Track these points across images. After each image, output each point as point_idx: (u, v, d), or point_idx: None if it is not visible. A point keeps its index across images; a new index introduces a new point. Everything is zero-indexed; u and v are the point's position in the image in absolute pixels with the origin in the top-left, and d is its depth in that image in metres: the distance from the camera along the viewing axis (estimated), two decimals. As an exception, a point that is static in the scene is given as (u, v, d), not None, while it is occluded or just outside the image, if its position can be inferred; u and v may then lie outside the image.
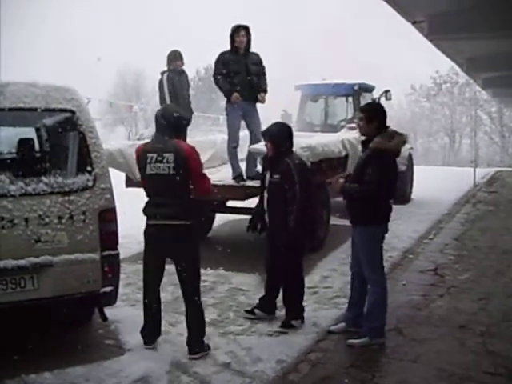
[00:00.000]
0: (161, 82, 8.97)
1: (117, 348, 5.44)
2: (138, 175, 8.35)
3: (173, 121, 5.22)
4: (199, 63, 72.43)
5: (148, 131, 50.23)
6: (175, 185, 5.06)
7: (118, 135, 55.28)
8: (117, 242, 5.26)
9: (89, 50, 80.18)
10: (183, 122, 5.41)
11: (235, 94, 8.08)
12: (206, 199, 6.10)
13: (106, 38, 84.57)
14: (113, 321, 5.85)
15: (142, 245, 9.07)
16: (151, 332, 5.47)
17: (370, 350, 5.35)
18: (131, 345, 5.47)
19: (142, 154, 5.25)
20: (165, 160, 5.03)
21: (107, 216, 5.13)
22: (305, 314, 6.20)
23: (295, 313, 6.09)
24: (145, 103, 56.61)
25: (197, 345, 5.28)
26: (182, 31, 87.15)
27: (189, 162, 5.07)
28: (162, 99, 8.84)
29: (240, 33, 8.10)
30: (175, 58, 9.02)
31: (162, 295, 6.69)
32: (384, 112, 5.65)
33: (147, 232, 5.37)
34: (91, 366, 5.02)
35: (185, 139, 8.19)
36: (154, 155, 5.09)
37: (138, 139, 39.63)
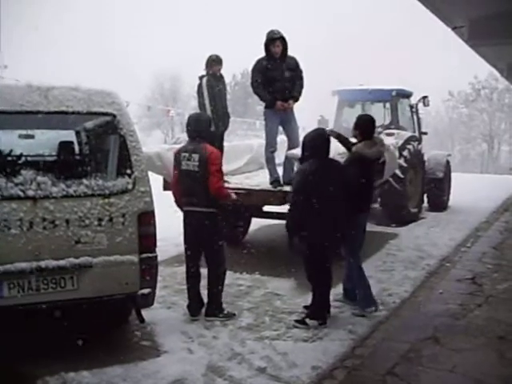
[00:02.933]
0: (200, 86, 9.00)
1: (153, 349, 5.48)
2: (175, 178, 8.47)
3: (202, 127, 6.35)
4: (236, 68, 72.72)
5: (184, 135, 50.61)
6: (199, 179, 6.11)
7: (155, 139, 55.84)
8: (155, 245, 5.30)
9: (127, 54, 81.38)
10: (210, 128, 6.60)
11: (279, 103, 8.09)
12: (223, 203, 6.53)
13: (144, 41, 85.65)
14: (149, 323, 5.90)
15: (179, 248, 9.26)
16: (196, 306, 6.41)
17: (407, 358, 5.29)
18: (167, 347, 5.50)
19: (177, 153, 6.35)
20: (192, 159, 6.15)
21: (146, 219, 5.17)
22: (340, 321, 6.22)
23: (313, 313, 6.14)
24: (181, 107, 57.05)
25: (212, 310, 6.31)
26: (219, 36, 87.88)
27: (208, 163, 6.09)
28: (201, 104, 8.87)
29: (275, 43, 8.10)
30: (214, 62, 9.05)
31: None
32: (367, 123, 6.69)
33: (183, 217, 6.40)
34: (128, 366, 5.07)
35: (221, 143, 8.30)
36: (186, 154, 6.21)
37: (175, 143, 39.93)
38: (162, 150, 8.56)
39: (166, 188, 8.77)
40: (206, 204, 6.17)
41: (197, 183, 6.15)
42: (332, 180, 5.98)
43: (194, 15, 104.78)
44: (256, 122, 20.26)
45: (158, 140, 56.53)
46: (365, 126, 6.66)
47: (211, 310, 6.35)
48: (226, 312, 6.39)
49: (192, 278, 6.47)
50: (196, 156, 6.12)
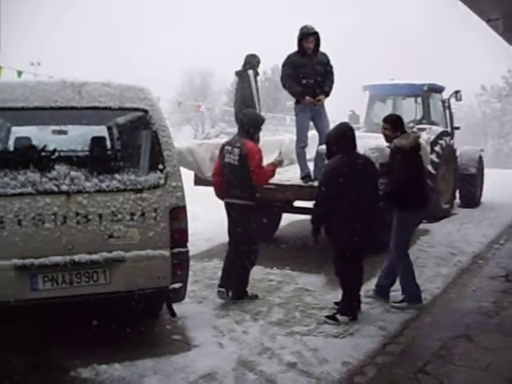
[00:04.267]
0: (245, 78, 9.13)
1: (184, 343, 5.52)
2: (206, 174, 8.54)
3: (245, 123, 6.67)
4: (266, 63, 72.44)
5: (214, 130, 50.65)
6: (238, 173, 6.47)
7: (185, 134, 56.10)
8: (187, 240, 5.32)
9: (159, 49, 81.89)
10: (255, 124, 6.72)
11: (308, 98, 8.06)
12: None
13: (175, 37, 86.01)
14: (180, 317, 5.93)
15: (210, 243, 9.33)
16: (226, 284, 6.68)
17: (439, 356, 5.24)
18: (198, 341, 5.53)
19: (223, 146, 6.74)
20: (233, 153, 6.48)
21: (178, 214, 5.19)
22: (371, 317, 6.19)
23: (343, 308, 6.14)
24: (211, 103, 57.22)
25: (238, 293, 6.66)
26: (249, 32, 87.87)
27: (248, 157, 6.39)
28: (246, 96, 8.99)
29: (308, 39, 8.07)
30: (258, 63, 9.24)
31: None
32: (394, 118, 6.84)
33: (225, 206, 6.80)
34: (159, 359, 5.11)
35: (258, 139, 8.40)
36: (229, 148, 6.57)
37: (205, 138, 40.09)
38: (193, 145, 8.63)
39: (197, 183, 8.83)
40: (243, 197, 6.51)
41: (236, 176, 6.51)
42: (360, 175, 5.94)
43: (224, 12, 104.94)
44: (286, 118, 20.16)
45: (188, 135, 56.79)
46: (393, 121, 6.63)
47: (236, 293, 6.69)
48: (249, 294, 6.81)
49: (228, 261, 6.80)
50: (237, 150, 6.47)
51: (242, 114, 7.02)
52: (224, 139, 8.30)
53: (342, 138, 6.09)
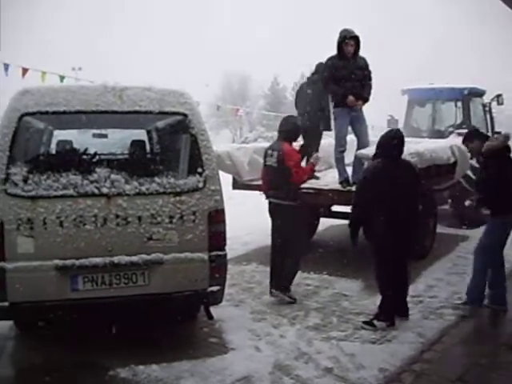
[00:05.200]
0: (313, 88, 9.28)
1: (221, 346, 5.55)
2: (244, 177, 8.57)
3: (286, 129, 6.94)
4: (304, 67, 72.40)
5: (252, 135, 50.82)
6: (277, 174, 6.76)
7: (223, 138, 56.28)
8: (225, 243, 5.34)
9: (197, 52, 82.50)
10: (295, 132, 7.03)
11: (351, 98, 8.04)
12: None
13: (214, 40, 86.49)
14: (217, 320, 5.97)
15: (247, 246, 9.36)
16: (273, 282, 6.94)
17: (479, 364, 5.16)
18: (235, 344, 5.56)
19: (265, 149, 7.12)
20: (273, 156, 6.80)
21: (216, 217, 5.22)
22: (409, 324, 6.11)
23: (381, 314, 6.07)
24: (250, 107, 57.34)
25: (281, 286, 6.84)
26: (287, 35, 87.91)
27: (286, 159, 6.66)
28: (316, 100, 9.11)
29: (349, 43, 8.06)
30: None
31: (265, 297, 6.87)
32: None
33: (268, 207, 7.04)
34: (196, 361, 5.15)
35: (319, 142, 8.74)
36: (270, 151, 6.92)
37: (243, 142, 40.24)
38: (231, 149, 8.67)
39: (235, 187, 8.87)
40: (284, 197, 6.74)
41: (276, 177, 6.83)
42: (401, 181, 5.90)
43: (261, 14, 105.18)
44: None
45: (226, 139, 56.94)
46: (470, 135, 6.94)
47: (278, 287, 6.89)
48: (290, 293, 6.91)
49: (274, 263, 7.02)
50: (275, 153, 6.79)
51: (284, 120, 7.18)
52: (262, 143, 8.37)
53: (386, 143, 6.09)
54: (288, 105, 69.76)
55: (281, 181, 6.75)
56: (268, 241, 9.62)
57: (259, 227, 10.78)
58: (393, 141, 6.11)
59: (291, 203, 6.78)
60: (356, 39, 8.10)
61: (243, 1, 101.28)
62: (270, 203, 7.00)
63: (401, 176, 5.95)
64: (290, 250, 6.89)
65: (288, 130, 6.91)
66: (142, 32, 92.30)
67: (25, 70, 11.26)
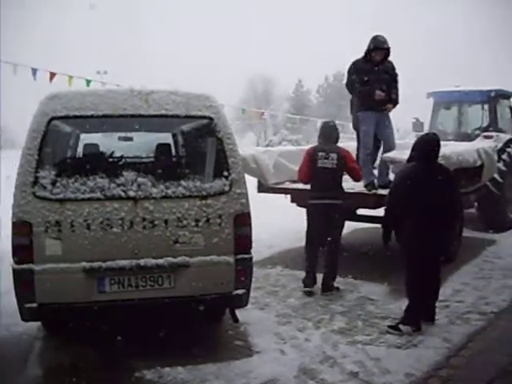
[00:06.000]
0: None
1: (246, 349, 5.55)
2: (269, 181, 8.58)
3: (334, 133, 7.46)
4: (328, 69, 72.38)
5: (277, 138, 50.82)
6: (335, 175, 7.19)
7: (248, 141, 56.47)
8: (250, 246, 5.34)
9: (221, 57, 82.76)
10: (337, 135, 7.52)
11: (378, 92, 8.00)
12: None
13: (238, 44, 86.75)
14: (242, 323, 5.98)
15: (272, 250, 9.35)
16: (310, 281, 7.36)
17: (507, 371, 5.07)
18: (260, 347, 5.55)
19: (313, 152, 7.33)
20: (330, 158, 7.16)
21: (242, 220, 5.23)
22: (435, 329, 6.05)
23: (406, 319, 6.02)
24: (274, 109, 57.38)
25: (328, 285, 7.29)
26: (311, 37, 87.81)
27: (347, 160, 7.25)
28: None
29: (379, 52, 8.08)
30: None
31: (290, 300, 6.86)
32: None
33: (311, 209, 7.39)
34: (221, 364, 5.16)
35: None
36: (323, 154, 7.20)
37: (267, 145, 40.26)
38: (257, 152, 8.69)
39: (260, 190, 8.88)
40: (337, 196, 7.18)
41: (333, 178, 7.20)
42: (435, 185, 5.85)
43: (287, 18, 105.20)
44: (349, 125, 19.88)
45: (250, 142, 57.12)
46: None
47: (327, 286, 7.32)
48: (337, 287, 7.42)
49: (312, 261, 7.42)
50: (333, 155, 7.18)
51: (327, 125, 7.63)
52: (287, 146, 8.43)
53: (422, 147, 6.03)
54: (312, 108, 69.91)
55: (338, 181, 7.27)
56: (292, 244, 9.73)
57: (283, 230, 10.84)
58: (429, 144, 6.06)
59: (341, 202, 7.24)
60: (387, 51, 8.10)
61: (268, 2, 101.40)
62: (321, 204, 7.20)
63: (437, 179, 5.89)
64: (335, 249, 7.35)
65: (337, 134, 7.48)
66: (166, 33, 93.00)
67: (52, 75, 11.39)
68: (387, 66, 8.21)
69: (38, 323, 5.82)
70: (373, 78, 8.04)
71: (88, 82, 11.80)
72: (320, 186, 7.26)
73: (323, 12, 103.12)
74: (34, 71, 11.24)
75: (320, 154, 7.25)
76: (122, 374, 5.01)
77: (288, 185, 8.93)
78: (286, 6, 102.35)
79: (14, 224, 4.91)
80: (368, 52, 8.12)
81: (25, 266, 4.87)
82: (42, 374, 5.11)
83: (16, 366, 5.26)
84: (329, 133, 7.44)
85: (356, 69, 8.18)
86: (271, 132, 64.42)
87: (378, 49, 8.07)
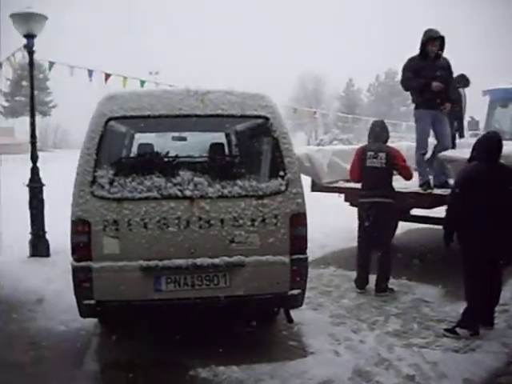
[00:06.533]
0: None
1: (300, 350, 5.52)
2: (323, 180, 8.54)
3: (386, 132, 7.49)
4: (379, 68, 71.68)
5: (327, 137, 50.57)
6: (385, 174, 7.17)
7: (298, 140, 56.35)
8: (306, 247, 5.30)
9: (271, 55, 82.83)
10: (387, 134, 7.53)
11: (435, 83, 7.87)
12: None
13: (288, 43, 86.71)
14: (296, 323, 5.94)
15: (324, 250, 9.30)
16: (362, 282, 7.42)
17: None
18: (314, 348, 5.52)
19: (362, 151, 7.36)
20: (378, 157, 7.14)
21: (298, 220, 5.20)
22: (493, 333, 5.90)
23: (464, 322, 5.89)
24: (324, 109, 57.14)
25: (382, 286, 7.23)
26: (362, 36, 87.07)
27: (396, 159, 7.21)
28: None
29: (434, 43, 7.92)
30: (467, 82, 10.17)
31: (344, 301, 6.80)
32: None
33: (361, 208, 7.38)
34: (276, 364, 5.14)
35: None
36: (372, 153, 7.21)
37: (318, 144, 40.09)
38: (310, 151, 8.66)
39: (313, 189, 8.84)
40: (387, 195, 7.15)
41: (383, 177, 7.18)
42: (498, 185, 5.69)
43: (335, 15, 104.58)
44: (402, 124, 19.66)
45: (301, 142, 56.98)
46: None
47: (381, 287, 7.26)
48: (390, 288, 7.34)
49: (363, 260, 7.47)
50: (382, 154, 7.16)
51: (377, 124, 7.64)
52: (338, 146, 8.44)
53: (483, 146, 5.88)
54: (363, 106, 69.32)
55: (388, 180, 7.23)
56: (345, 244, 9.66)
57: (336, 230, 10.78)
58: (492, 143, 5.91)
59: (393, 201, 7.22)
60: (441, 40, 7.94)
61: (318, 2, 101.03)
62: (371, 203, 7.21)
63: (500, 179, 5.74)
64: (387, 249, 7.37)
65: (387, 133, 7.48)
66: (214, 32, 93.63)
67: (107, 76, 11.59)
68: (443, 63, 8.06)
69: (95, 320, 5.92)
70: (429, 75, 7.90)
71: (142, 82, 11.95)
72: (369, 185, 7.27)
73: (374, 10, 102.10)
74: (90, 72, 11.45)
75: (369, 153, 7.26)
76: (177, 371, 5.05)
77: (342, 184, 8.88)
78: (338, 3, 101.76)
79: (73, 223, 5.02)
80: (423, 46, 7.99)
81: (83, 264, 4.97)
82: (99, 370, 5.20)
83: (74, 360, 5.36)
84: (378, 132, 7.43)
85: (412, 65, 8.05)
86: (322, 131, 64.18)
87: (433, 38, 7.93)
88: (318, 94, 70.49)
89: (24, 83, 64.82)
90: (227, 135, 7.86)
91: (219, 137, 7.72)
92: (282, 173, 5.17)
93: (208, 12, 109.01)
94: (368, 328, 6.10)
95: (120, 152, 6.27)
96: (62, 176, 13.71)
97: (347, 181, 8.51)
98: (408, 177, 7.42)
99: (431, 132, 8.35)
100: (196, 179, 5.04)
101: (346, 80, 73.56)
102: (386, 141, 7.46)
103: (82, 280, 4.98)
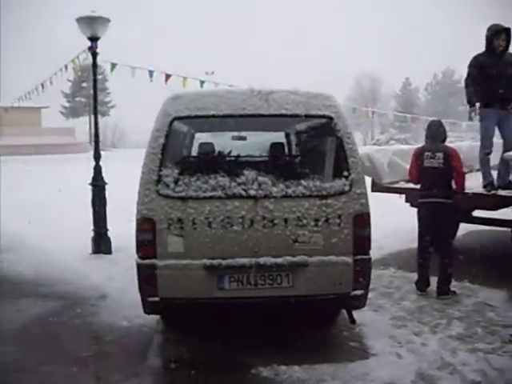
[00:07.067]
0: None
1: (362, 351, 5.47)
2: (383, 180, 8.46)
3: (443, 131, 7.34)
4: (436, 67, 70.48)
5: (384, 137, 49.99)
6: (443, 174, 7.05)
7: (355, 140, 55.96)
8: (369, 247, 5.27)
9: (327, 55, 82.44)
10: (445, 134, 7.38)
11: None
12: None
13: (341, 42, 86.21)
14: (357, 324, 5.89)
15: (383, 251, 9.21)
16: (423, 284, 7.31)
17: None
18: (376, 350, 5.46)
19: (419, 152, 7.30)
20: (436, 157, 7.06)
21: (362, 221, 5.17)
22: None
23: None
24: (381, 108, 56.53)
25: (444, 289, 7.09)
26: (417, 35, 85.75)
27: (454, 159, 7.04)
28: None
29: (500, 37, 7.73)
30: None
31: (405, 303, 6.72)
32: None
33: (420, 208, 7.28)
34: (337, 365, 5.11)
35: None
36: (429, 153, 7.12)
37: (374, 144, 39.71)
38: (371, 150, 8.58)
39: (374, 189, 8.76)
40: (446, 196, 7.04)
41: (441, 177, 7.07)
42: None
43: (390, 17, 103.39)
44: (462, 123, 19.16)
45: (358, 141, 56.43)
46: None
47: (442, 289, 7.13)
48: (453, 291, 7.18)
49: (424, 261, 7.36)
50: (439, 154, 7.07)
51: (434, 124, 7.51)
52: (395, 146, 8.41)
53: None
54: (421, 106, 68.26)
55: (446, 180, 7.11)
56: (404, 245, 9.54)
57: (395, 231, 10.65)
58: None
59: (452, 202, 7.11)
60: (506, 33, 7.75)
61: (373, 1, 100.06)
62: (429, 204, 7.14)
63: None
64: (448, 251, 7.27)
65: (444, 133, 7.33)
66: (264, 32, 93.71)
67: (167, 76, 11.72)
68: (509, 60, 7.86)
69: (157, 316, 6.00)
70: (496, 73, 7.72)
71: (202, 82, 12.04)
72: (428, 185, 7.18)
73: (431, 9, 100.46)
74: (151, 73, 11.61)
75: (426, 153, 7.18)
76: (239, 369, 5.07)
77: (402, 184, 8.77)
78: (394, 2, 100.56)
79: (138, 221, 5.11)
80: (489, 42, 7.80)
81: (148, 262, 5.06)
82: (162, 365, 5.28)
83: (137, 356, 5.46)
84: (435, 132, 7.32)
85: (477, 63, 7.87)
86: (378, 131, 63.52)
87: (498, 32, 7.74)
88: (374, 94, 69.81)
89: (84, 84, 66.99)
90: (287, 135, 7.86)
91: (279, 136, 7.73)
92: (345, 173, 5.14)
93: (258, 12, 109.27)
94: (430, 331, 5.98)
95: (184, 151, 6.35)
96: (121, 175, 14.07)
97: (408, 181, 8.40)
98: (459, 186, 7.20)
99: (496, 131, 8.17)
100: (260, 179, 5.07)
101: (402, 79, 72.69)
102: (444, 140, 7.32)
103: (147, 277, 5.07)
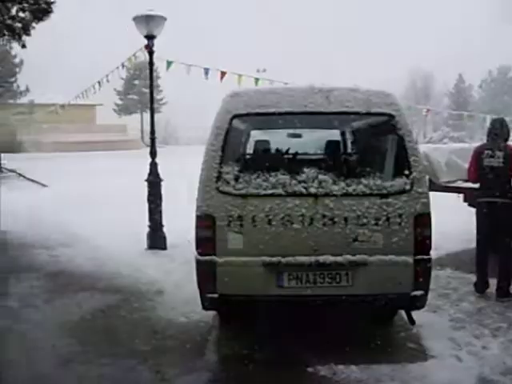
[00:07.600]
0: None
1: (420, 353, 5.40)
2: (441, 179, 8.33)
3: (507, 130, 7.18)
4: (491, 64, 68.96)
5: (437, 135, 49.21)
6: (503, 174, 6.90)
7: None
8: (430, 247, 5.20)
9: (380, 50, 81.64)
10: (509, 131, 7.21)
11: None
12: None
13: (393, 39, 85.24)
14: (415, 325, 5.81)
15: (439, 251, 9.07)
16: (482, 285, 7.14)
17: None
18: (435, 352, 5.37)
19: (479, 150, 7.16)
20: (496, 156, 6.93)
21: (423, 220, 5.09)
22: None
23: None
24: (434, 106, 55.67)
25: (504, 291, 6.93)
26: (470, 32, 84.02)
27: None
28: None
29: None
30: None
31: (463, 304, 6.64)
32: None
33: (479, 208, 7.18)
34: (395, 366, 5.05)
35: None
36: (489, 152, 7.00)
37: (427, 142, 39.11)
38: (428, 149, 8.48)
39: (431, 188, 8.63)
40: (505, 195, 6.92)
41: (499, 177, 6.94)
42: None
43: (445, 14, 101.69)
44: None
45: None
46: None
47: (502, 291, 6.97)
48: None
49: (482, 262, 7.20)
50: (500, 153, 6.94)
51: (497, 122, 7.37)
52: (448, 144, 8.24)
53: None
54: (475, 104, 66.91)
55: (507, 179, 6.99)
56: (461, 246, 9.35)
57: (451, 231, 10.42)
58: None
59: (509, 201, 6.95)
60: None
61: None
62: (488, 203, 7.03)
63: None
64: (508, 252, 7.04)
65: (508, 131, 7.19)
66: (311, 31, 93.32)
67: (223, 74, 11.81)
68: None
69: (214, 312, 6.03)
70: None
71: (256, 80, 12.08)
72: (487, 184, 7.06)
73: (485, 6, 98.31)
74: (206, 71, 11.71)
75: (486, 152, 7.07)
76: (296, 367, 5.06)
77: (460, 184, 8.63)
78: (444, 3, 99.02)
79: (198, 217, 5.15)
80: None
81: (207, 258, 5.09)
82: (219, 360, 5.32)
83: (195, 351, 5.49)
84: (497, 130, 7.16)
85: None
86: (431, 129, 62.54)
87: None
88: (427, 91, 68.77)
89: (136, 82, 67.99)
90: (342, 132, 7.81)
91: (334, 134, 7.68)
92: (407, 171, 5.07)
93: (304, 11, 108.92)
94: (490, 334, 5.85)
95: (242, 148, 6.38)
96: (176, 172, 14.21)
97: (466, 180, 8.26)
98: None
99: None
100: (320, 177, 5.05)
101: (456, 76, 71.38)
102: (507, 139, 7.17)
103: (206, 274, 5.11)
